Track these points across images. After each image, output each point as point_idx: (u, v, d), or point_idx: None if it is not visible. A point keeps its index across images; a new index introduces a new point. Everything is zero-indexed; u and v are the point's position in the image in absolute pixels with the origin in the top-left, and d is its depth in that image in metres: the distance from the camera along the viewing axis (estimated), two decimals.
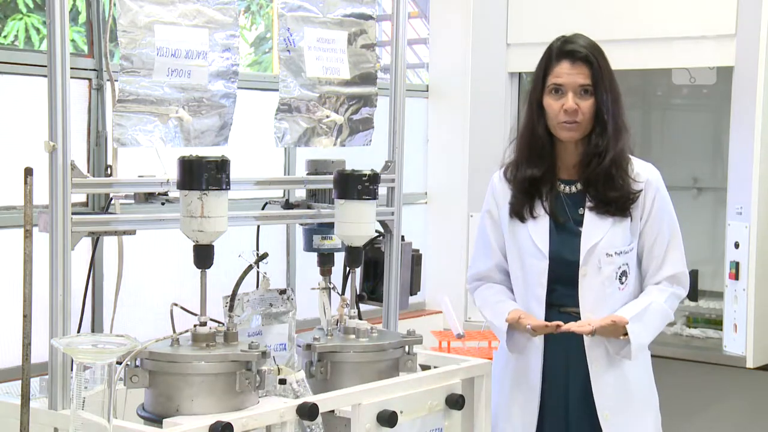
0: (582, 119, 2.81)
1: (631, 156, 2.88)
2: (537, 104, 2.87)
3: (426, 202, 5.23)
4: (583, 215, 2.86)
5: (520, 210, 2.90)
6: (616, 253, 2.82)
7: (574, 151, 2.87)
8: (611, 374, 2.85)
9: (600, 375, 2.84)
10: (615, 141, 2.83)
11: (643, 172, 2.88)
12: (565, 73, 2.82)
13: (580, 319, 2.83)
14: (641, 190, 2.85)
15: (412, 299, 3.20)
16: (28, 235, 2.26)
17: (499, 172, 3.00)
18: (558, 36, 2.88)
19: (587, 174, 2.85)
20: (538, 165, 2.88)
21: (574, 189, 2.89)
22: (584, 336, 2.81)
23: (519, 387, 2.93)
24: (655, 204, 2.86)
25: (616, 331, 2.78)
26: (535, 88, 2.88)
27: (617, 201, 2.83)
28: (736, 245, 4.21)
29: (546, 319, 2.85)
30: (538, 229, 2.87)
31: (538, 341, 2.86)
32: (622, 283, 2.85)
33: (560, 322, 2.75)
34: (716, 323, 4.45)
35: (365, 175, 2.66)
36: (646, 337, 2.84)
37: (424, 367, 2.82)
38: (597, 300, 2.83)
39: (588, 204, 2.86)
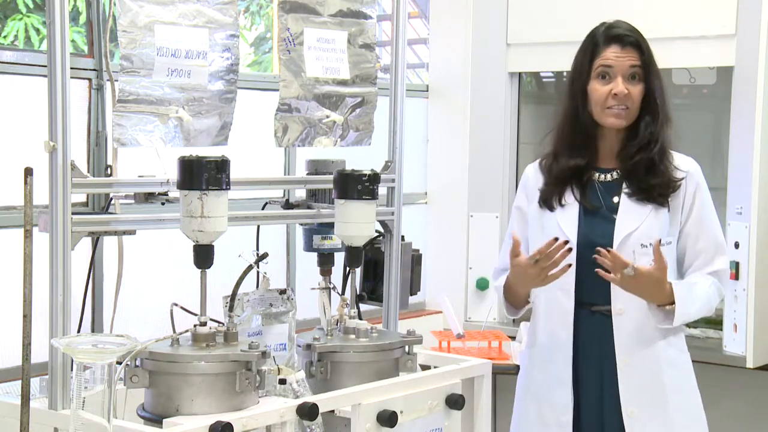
0: (632, 105, 2.72)
1: (670, 150, 2.79)
2: (581, 91, 2.76)
3: (426, 202, 5.23)
4: (617, 203, 2.76)
5: (549, 198, 2.80)
6: (651, 244, 2.68)
7: (615, 138, 2.78)
8: (642, 372, 2.74)
9: (629, 371, 2.73)
10: (663, 131, 2.75)
11: (683, 164, 2.79)
12: (615, 55, 2.73)
13: (612, 318, 2.73)
14: (683, 179, 2.75)
15: (412, 299, 3.20)
16: (28, 235, 2.25)
17: (533, 164, 2.91)
18: (599, 24, 2.81)
19: (632, 163, 2.75)
20: (582, 154, 2.78)
21: (609, 177, 2.80)
22: (614, 331, 2.71)
23: (545, 388, 2.83)
24: (696, 198, 2.77)
25: (659, 289, 2.64)
26: (580, 75, 2.77)
27: (658, 187, 2.73)
28: (736, 245, 4.20)
29: (576, 320, 2.73)
30: (567, 216, 2.77)
31: (566, 338, 2.76)
32: None
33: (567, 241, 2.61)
34: (716, 323, 4.44)
35: (365, 175, 2.66)
36: (690, 307, 2.70)
37: (424, 367, 2.82)
38: (631, 294, 2.68)
39: (625, 190, 2.76)
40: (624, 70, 2.73)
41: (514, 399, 2.97)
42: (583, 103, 2.77)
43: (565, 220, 2.78)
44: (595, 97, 2.74)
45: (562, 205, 2.80)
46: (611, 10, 4.30)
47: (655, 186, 2.74)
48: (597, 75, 2.75)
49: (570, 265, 2.65)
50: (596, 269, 2.62)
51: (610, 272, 2.62)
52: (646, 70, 2.74)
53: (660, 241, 2.64)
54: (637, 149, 2.75)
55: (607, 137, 2.79)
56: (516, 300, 2.85)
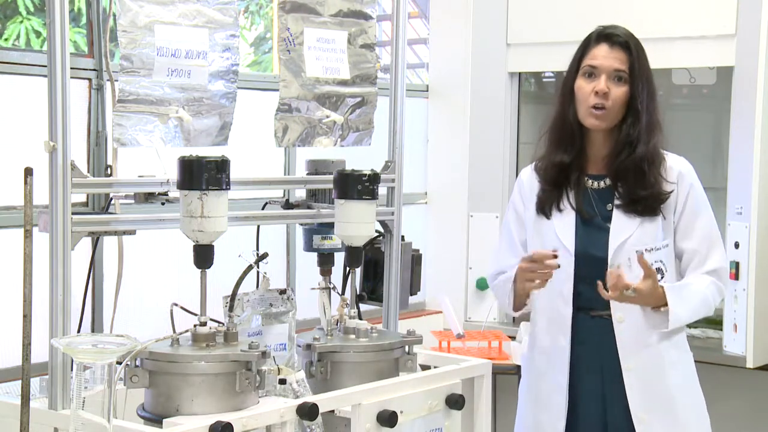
0: (611, 106, 2.71)
1: (663, 151, 2.79)
2: (569, 90, 2.78)
3: (426, 202, 5.23)
4: (611, 211, 2.77)
5: (546, 204, 2.81)
6: (646, 249, 2.70)
7: (603, 142, 2.78)
8: (647, 376, 2.74)
9: (634, 376, 2.74)
10: (648, 135, 2.73)
11: (675, 165, 2.78)
12: (602, 55, 2.73)
13: (612, 323, 2.74)
14: (672, 191, 2.75)
15: (412, 299, 3.20)
16: (28, 235, 2.25)
17: (528, 168, 2.92)
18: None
19: (617, 166, 2.75)
20: (568, 151, 2.78)
21: (602, 184, 2.80)
22: (616, 336, 2.72)
23: (545, 393, 2.84)
24: (689, 199, 2.77)
25: (653, 296, 2.65)
26: (569, 73, 2.79)
27: (646, 200, 2.73)
28: (736, 245, 4.20)
29: (574, 325, 2.75)
30: (564, 224, 2.79)
31: (564, 343, 2.77)
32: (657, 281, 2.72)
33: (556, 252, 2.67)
34: (716, 323, 4.44)
35: (365, 175, 2.66)
36: (685, 309, 2.70)
37: (424, 367, 2.82)
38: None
39: (616, 202, 2.76)
40: (609, 70, 2.73)
41: (518, 402, 2.98)
42: (570, 101, 2.79)
43: (563, 230, 2.79)
44: (580, 95, 2.76)
45: (560, 211, 2.81)
46: (611, 11, 4.33)
47: (643, 198, 2.74)
48: (583, 73, 2.76)
49: (558, 266, 2.68)
50: (597, 283, 2.64)
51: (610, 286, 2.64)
52: (632, 73, 2.73)
53: (642, 254, 2.64)
54: (619, 151, 2.75)
55: (596, 140, 2.80)
56: (518, 298, 2.85)
